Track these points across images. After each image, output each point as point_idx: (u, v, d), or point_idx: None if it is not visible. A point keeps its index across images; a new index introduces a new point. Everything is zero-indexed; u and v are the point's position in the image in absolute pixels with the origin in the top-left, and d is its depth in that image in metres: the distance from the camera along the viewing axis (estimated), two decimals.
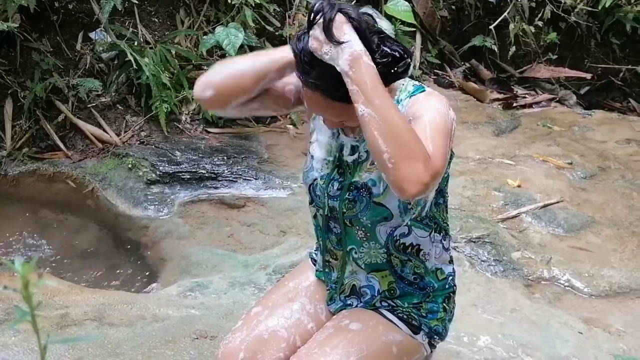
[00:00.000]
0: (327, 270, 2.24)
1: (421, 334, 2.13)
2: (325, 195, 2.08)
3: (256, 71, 1.91)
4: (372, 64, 1.75)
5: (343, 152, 2.05)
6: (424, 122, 1.80)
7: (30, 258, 3.66)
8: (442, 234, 2.12)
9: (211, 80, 1.98)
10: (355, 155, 2.02)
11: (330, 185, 2.06)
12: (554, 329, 3.20)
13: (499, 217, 4.04)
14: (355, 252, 2.11)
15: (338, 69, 1.74)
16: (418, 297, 2.13)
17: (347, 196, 2.02)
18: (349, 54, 1.73)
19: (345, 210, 2.04)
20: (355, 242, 2.10)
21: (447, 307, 2.17)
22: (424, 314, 2.13)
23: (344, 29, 1.75)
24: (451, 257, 2.21)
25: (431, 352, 2.21)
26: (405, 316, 2.12)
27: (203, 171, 4.59)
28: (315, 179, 2.10)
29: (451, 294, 2.19)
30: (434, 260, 2.12)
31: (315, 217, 2.19)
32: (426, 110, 1.84)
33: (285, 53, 1.90)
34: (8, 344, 2.82)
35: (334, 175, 2.06)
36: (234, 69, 1.95)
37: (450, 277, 2.19)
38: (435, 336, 2.16)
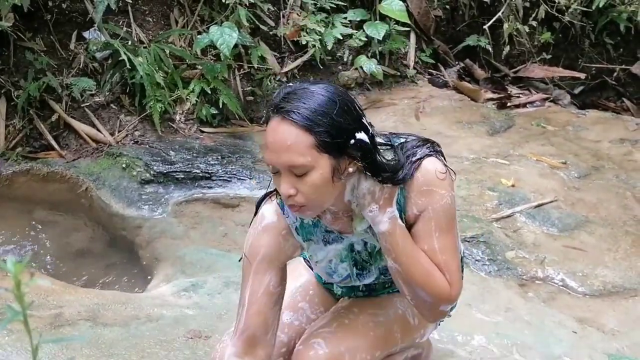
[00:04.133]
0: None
1: None
2: (358, 283, 2.16)
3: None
4: (403, 223, 1.92)
5: (354, 250, 2.07)
6: (434, 240, 1.93)
7: (22, 257, 3.65)
8: None
9: None
10: (369, 249, 2.06)
11: (359, 279, 2.12)
12: (548, 329, 3.20)
13: (493, 217, 4.04)
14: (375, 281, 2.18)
15: (377, 226, 1.90)
16: None
17: (382, 278, 2.13)
18: (389, 217, 1.89)
19: (385, 282, 2.16)
20: (380, 289, 2.22)
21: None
22: None
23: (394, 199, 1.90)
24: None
25: (435, 328, 2.34)
26: None
27: (197, 171, 4.58)
28: (337, 282, 2.17)
29: (463, 267, 2.24)
30: None
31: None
32: (435, 214, 1.92)
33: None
34: (1, 343, 2.81)
35: (357, 272, 2.10)
36: None
37: (461, 252, 2.25)
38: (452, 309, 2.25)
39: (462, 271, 2.20)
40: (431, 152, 1.94)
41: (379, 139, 1.91)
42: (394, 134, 2.03)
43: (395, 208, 1.90)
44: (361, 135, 1.80)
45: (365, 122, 1.85)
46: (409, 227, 1.94)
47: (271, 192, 2.07)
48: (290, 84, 1.87)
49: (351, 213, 1.96)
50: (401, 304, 2.16)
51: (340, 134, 1.77)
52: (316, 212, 1.89)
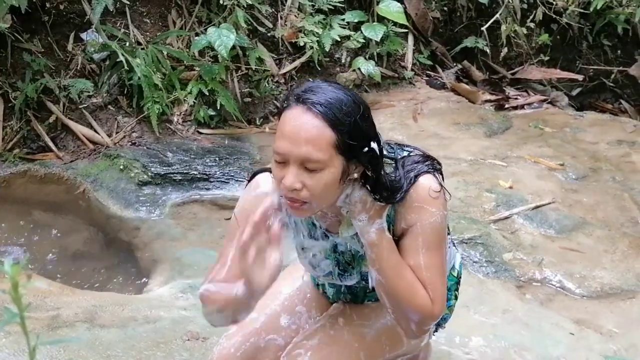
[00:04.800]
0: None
1: None
2: (339, 283, 2.15)
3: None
4: (390, 236, 1.90)
5: (337, 252, 2.06)
6: (420, 257, 1.90)
7: (19, 259, 3.65)
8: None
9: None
10: (353, 252, 2.04)
11: (340, 279, 2.11)
12: (545, 330, 3.20)
13: (490, 219, 4.04)
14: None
15: (364, 236, 1.88)
16: None
17: (363, 284, 2.10)
18: (377, 228, 1.86)
19: (365, 288, 2.15)
20: (362, 295, 2.21)
21: (457, 295, 2.28)
22: None
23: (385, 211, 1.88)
24: (453, 242, 2.25)
25: (430, 338, 2.32)
26: None
27: (195, 172, 4.58)
28: (319, 276, 2.14)
29: (459, 278, 2.28)
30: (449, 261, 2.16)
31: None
32: (422, 231, 1.90)
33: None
34: None
35: (338, 271, 2.09)
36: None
37: (460, 266, 2.24)
38: (442, 323, 2.27)
39: (457, 289, 2.24)
40: (429, 170, 1.91)
41: (385, 152, 1.90)
42: (400, 145, 2.01)
43: (384, 220, 1.88)
44: (374, 145, 1.80)
45: (378, 132, 1.85)
46: (397, 241, 1.93)
47: (264, 169, 2.02)
48: (311, 80, 1.86)
49: (340, 217, 1.94)
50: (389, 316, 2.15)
51: (359, 138, 1.76)
52: (313, 212, 1.86)
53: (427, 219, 1.88)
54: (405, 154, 1.96)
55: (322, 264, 2.07)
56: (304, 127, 1.71)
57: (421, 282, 1.89)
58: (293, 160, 1.73)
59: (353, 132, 1.74)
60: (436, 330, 2.29)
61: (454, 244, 2.27)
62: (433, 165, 1.94)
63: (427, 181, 1.89)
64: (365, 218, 1.86)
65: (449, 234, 2.17)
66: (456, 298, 2.28)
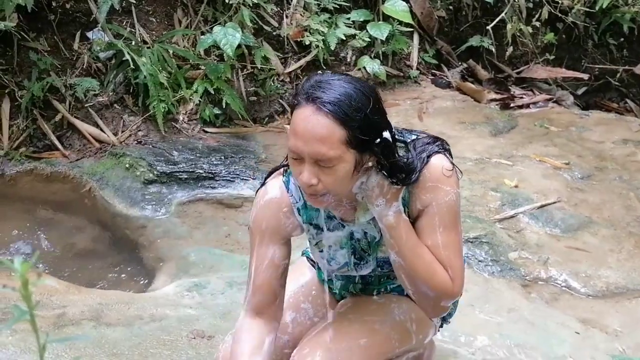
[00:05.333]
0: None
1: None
2: (355, 274, 2.15)
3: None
4: (407, 217, 1.93)
5: (354, 239, 2.07)
6: (438, 236, 1.94)
7: (29, 257, 3.65)
8: None
9: None
10: (369, 239, 2.05)
11: (356, 269, 2.11)
12: (551, 329, 3.20)
13: (496, 217, 4.04)
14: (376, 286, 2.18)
15: (381, 219, 1.91)
16: None
17: (379, 270, 2.11)
18: (394, 211, 1.89)
19: (381, 276, 2.15)
20: (376, 283, 2.20)
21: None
22: None
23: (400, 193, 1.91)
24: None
25: (435, 334, 2.31)
26: None
27: (200, 171, 4.58)
28: (335, 270, 2.15)
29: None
30: None
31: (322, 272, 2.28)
32: (438, 210, 1.93)
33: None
34: (5, 343, 2.82)
35: (354, 260, 2.10)
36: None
37: (465, 263, 2.25)
38: (448, 318, 2.26)
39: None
40: (439, 150, 1.95)
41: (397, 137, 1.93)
42: (407, 130, 2.04)
43: (400, 202, 1.90)
44: (387, 134, 1.82)
45: (389, 120, 1.87)
46: (412, 222, 1.95)
47: (279, 167, 2.08)
48: (320, 72, 1.87)
49: (355, 203, 1.96)
50: (399, 309, 2.13)
51: (370, 131, 1.78)
52: (331, 202, 1.90)
53: (442, 197, 1.92)
54: (414, 137, 1.99)
55: (338, 255, 2.09)
56: (314, 128, 1.74)
57: (439, 261, 1.92)
58: (307, 158, 1.77)
59: (364, 126, 1.76)
60: (441, 326, 2.29)
61: None
62: (442, 145, 1.98)
63: (439, 160, 1.93)
64: (382, 202, 1.89)
65: None
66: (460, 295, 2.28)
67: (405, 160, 1.90)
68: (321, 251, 2.11)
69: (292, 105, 1.82)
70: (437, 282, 1.92)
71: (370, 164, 1.84)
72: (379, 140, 1.80)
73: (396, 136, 1.91)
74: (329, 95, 1.74)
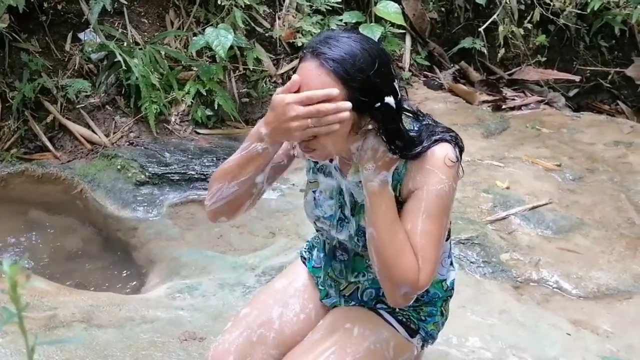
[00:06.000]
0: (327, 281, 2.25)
1: (417, 337, 2.13)
2: (334, 233, 2.10)
3: (248, 185, 1.97)
4: (395, 194, 1.89)
5: (342, 194, 2.05)
6: (419, 222, 1.87)
7: (18, 259, 3.65)
8: (447, 241, 2.13)
9: (216, 211, 2.06)
10: (355, 199, 2.02)
11: (338, 226, 2.08)
12: (542, 330, 3.21)
13: (487, 219, 4.05)
14: (363, 276, 2.13)
15: (366, 184, 1.87)
16: (419, 301, 2.13)
17: (357, 241, 2.04)
18: (381, 180, 1.85)
19: (359, 251, 2.08)
20: (362, 269, 2.13)
21: (444, 312, 2.19)
22: (422, 317, 2.13)
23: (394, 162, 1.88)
24: (452, 260, 2.22)
25: (419, 351, 2.22)
26: (404, 319, 2.12)
27: (192, 172, 4.58)
28: (319, 217, 2.12)
29: (449, 297, 2.20)
30: (438, 270, 2.09)
31: (323, 242, 2.22)
32: (427, 195, 1.88)
33: (259, 142, 1.89)
34: None
35: (340, 216, 2.07)
36: (228, 193, 1.99)
37: (452, 284, 2.20)
38: (429, 340, 2.17)
39: (445, 305, 2.18)
40: (451, 140, 1.92)
41: (406, 106, 1.91)
42: (432, 118, 2.02)
43: (390, 174, 1.88)
44: (389, 100, 1.80)
45: (396, 85, 1.84)
46: (401, 203, 1.92)
47: None
48: (332, 28, 1.85)
49: (352, 162, 1.96)
50: (377, 337, 2.07)
51: (370, 93, 1.77)
52: (325, 158, 1.90)
53: (435, 184, 1.87)
54: (431, 122, 1.98)
55: (325, 204, 2.08)
56: (314, 82, 1.74)
57: (413, 247, 1.86)
58: None
59: (365, 88, 1.75)
60: (423, 347, 2.23)
61: (452, 262, 2.23)
62: (456, 139, 1.94)
63: (445, 149, 1.89)
64: (372, 167, 1.86)
65: (448, 239, 2.16)
66: (442, 315, 2.19)
67: (412, 133, 1.89)
68: (314, 192, 2.10)
69: (300, 58, 1.82)
70: (402, 267, 1.84)
71: (370, 126, 1.84)
72: (379, 104, 1.79)
73: (406, 105, 1.90)
74: (333, 52, 1.74)
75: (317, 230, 2.21)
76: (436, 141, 1.89)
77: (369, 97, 1.77)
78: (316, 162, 2.09)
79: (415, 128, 1.94)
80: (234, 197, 1.99)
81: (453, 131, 1.97)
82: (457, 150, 1.92)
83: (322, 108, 1.73)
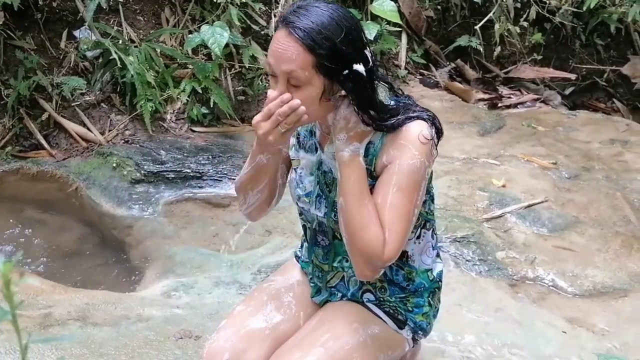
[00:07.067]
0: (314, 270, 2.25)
1: (406, 328, 2.14)
2: (313, 211, 2.11)
3: (269, 188, 2.11)
4: (364, 165, 1.93)
5: (322, 169, 2.08)
6: (389, 195, 1.91)
7: (12, 257, 3.63)
8: (430, 231, 2.14)
9: (251, 214, 2.21)
10: (332, 174, 2.04)
11: (316, 202, 2.10)
12: (538, 329, 3.21)
13: (483, 217, 4.05)
14: (346, 262, 2.13)
15: (337, 154, 1.92)
16: (405, 291, 2.14)
17: (333, 217, 2.06)
18: (352, 151, 1.91)
19: (333, 226, 2.08)
20: (342, 252, 2.12)
21: (432, 303, 2.19)
22: (410, 308, 2.14)
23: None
24: (438, 252, 2.23)
25: (413, 346, 2.22)
26: (391, 310, 2.13)
27: (188, 170, 4.57)
28: (300, 196, 2.14)
29: (437, 290, 2.21)
30: (423, 259, 2.13)
31: (304, 228, 2.24)
32: (399, 169, 1.91)
33: (261, 154, 2.02)
34: None
35: (318, 192, 2.09)
36: (255, 200, 2.14)
37: (439, 275, 2.21)
38: (419, 331, 2.18)
39: (433, 296, 2.18)
40: (427, 119, 1.95)
41: (380, 75, 1.96)
42: (410, 96, 2.08)
43: (362, 146, 1.92)
44: (358, 67, 1.85)
45: (367, 53, 1.89)
46: (375, 179, 1.95)
47: None
48: None
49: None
50: (366, 331, 2.08)
51: (338, 61, 1.83)
52: (300, 124, 1.93)
53: (407, 159, 1.90)
54: (412, 103, 2.02)
55: (306, 181, 2.12)
56: (284, 50, 1.83)
57: (381, 220, 1.89)
58: (279, 75, 1.85)
59: (332, 55, 1.82)
60: (415, 339, 2.23)
61: (438, 254, 2.24)
62: (434, 122, 1.97)
63: (421, 126, 1.92)
64: (344, 138, 1.91)
65: (434, 229, 2.17)
66: (430, 305, 2.18)
67: (387, 105, 1.93)
68: (296, 169, 2.16)
69: (274, 28, 1.92)
70: (368, 238, 1.87)
71: (343, 93, 1.88)
72: (347, 72, 1.83)
73: (380, 76, 1.95)
74: (301, 22, 1.82)
75: (300, 215, 2.23)
76: (412, 118, 1.93)
77: (336, 64, 1.82)
78: (298, 139, 2.14)
79: (392, 103, 1.98)
80: (260, 201, 2.13)
81: (431, 112, 2.00)
82: (433, 129, 1.95)
83: (280, 113, 1.82)
